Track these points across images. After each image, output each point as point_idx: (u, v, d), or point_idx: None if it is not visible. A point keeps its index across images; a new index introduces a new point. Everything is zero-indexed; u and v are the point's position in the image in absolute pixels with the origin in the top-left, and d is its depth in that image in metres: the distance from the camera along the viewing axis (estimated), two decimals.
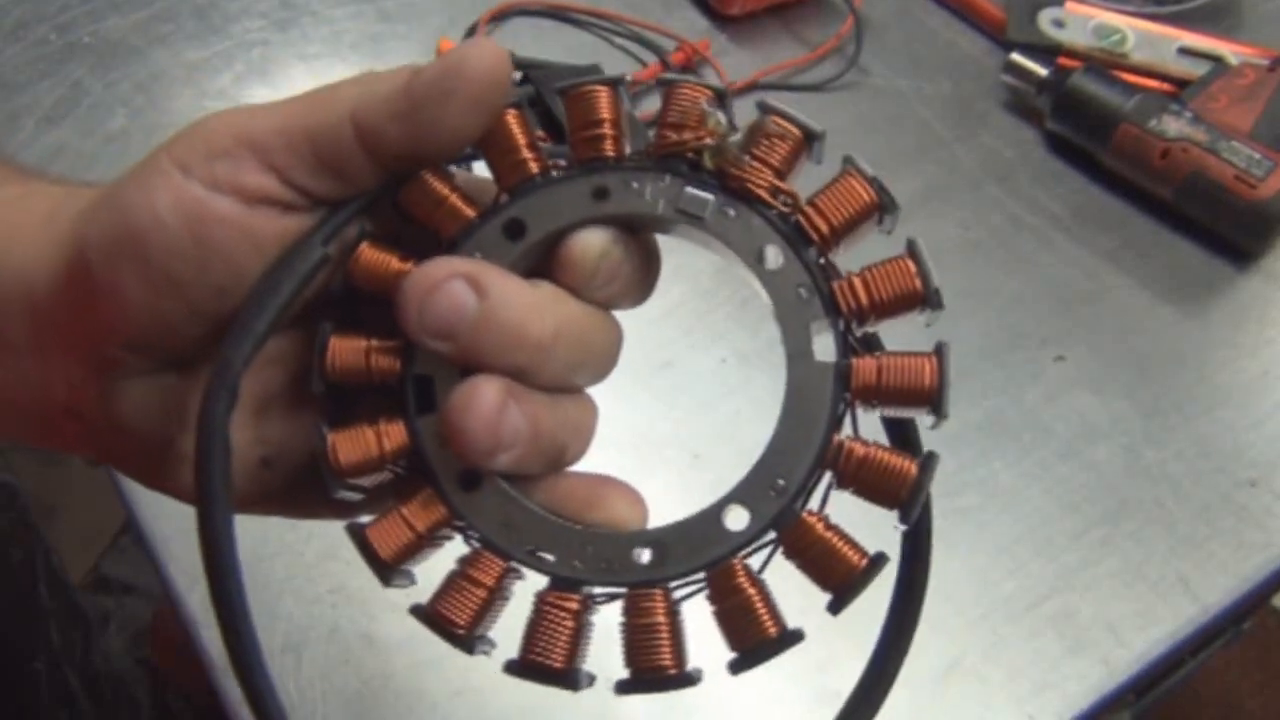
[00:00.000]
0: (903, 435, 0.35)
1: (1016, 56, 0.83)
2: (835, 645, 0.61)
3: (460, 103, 0.32)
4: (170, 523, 0.62)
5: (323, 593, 0.60)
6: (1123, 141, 0.78)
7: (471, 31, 0.84)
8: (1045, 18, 0.86)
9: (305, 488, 0.35)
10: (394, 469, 0.34)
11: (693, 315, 0.71)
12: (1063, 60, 0.83)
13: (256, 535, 0.61)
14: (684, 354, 0.69)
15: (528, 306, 0.32)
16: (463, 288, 0.31)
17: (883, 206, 0.33)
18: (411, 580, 0.35)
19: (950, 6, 0.92)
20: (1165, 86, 0.82)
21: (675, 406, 0.67)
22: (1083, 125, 0.80)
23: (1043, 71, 0.82)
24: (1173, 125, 0.76)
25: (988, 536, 0.64)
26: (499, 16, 0.86)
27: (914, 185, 0.80)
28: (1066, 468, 0.67)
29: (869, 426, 0.33)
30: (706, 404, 0.67)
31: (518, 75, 0.46)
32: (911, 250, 0.33)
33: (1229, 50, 0.83)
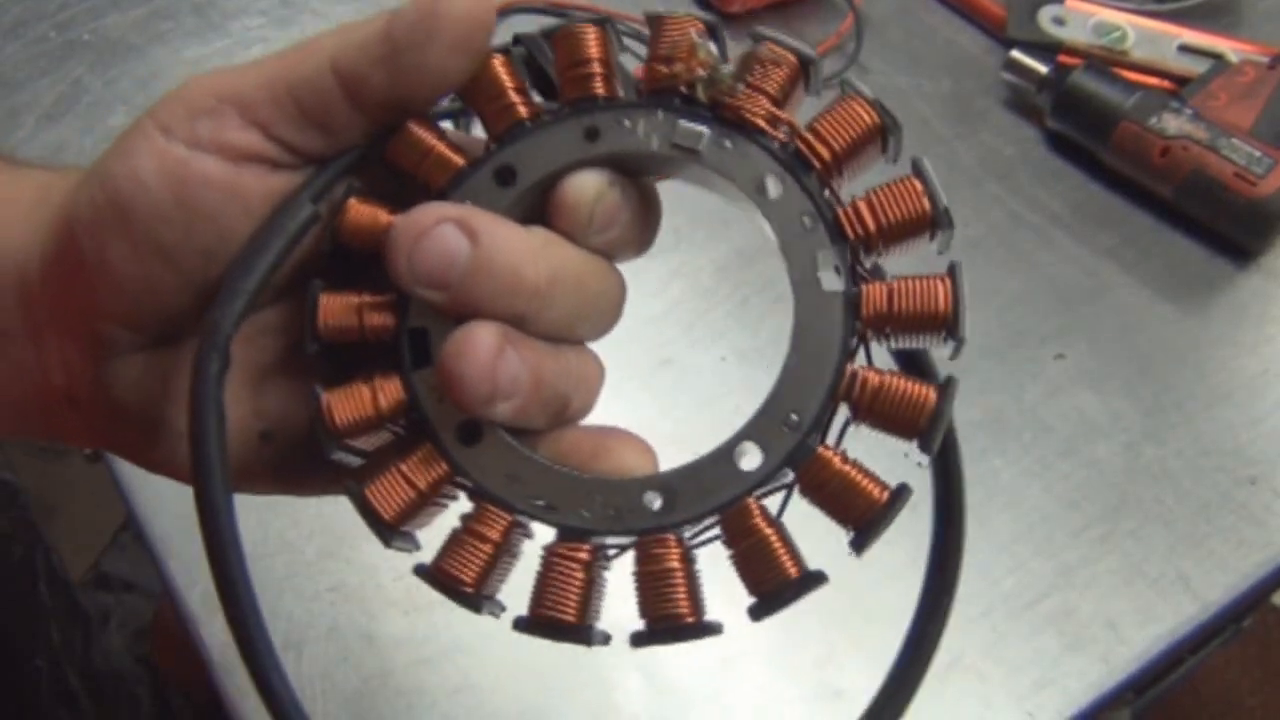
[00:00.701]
0: (918, 368, 0.33)
1: (1016, 54, 0.83)
2: (834, 642, 0.61)
3: (441, 44, 0.31)
4: (170, 520, 0.62)
5: (322, 590, 0.60)
6: (1123, 139, 0.78)
7: None
8: (1045, 15, 0.86)
9: (308, 462, 0.34)
10: (393, 428, 0.32)
11: (693, 313, 0.71)
12: (1063, 58, 0.83)
13: (256, 533, 0.61)
14: (684, 352, 0.69)
15: (522, 250, 0.30)
16: (453, 232, 0.30)
17: (885, 128, 0.32)
18: (415, 544, 0.33)
19: (950, 4, 0.92)
20: (1165, 84, 0.82)
21: (675, 404, 0.67)
22: (1083, 123, 0.80)
23: (1043, 69, 0.82)
24: (1173, 123, 0.76)
25: (988, 534, 0.64)
26: (501, 13, 0.86)
27: None
28: (1066, 465, 0.67)
29: (882, 361, 0.32)
30: (706, 402, 0.67)
31: (510, 38, 0.44)
32: (918, 169, 0.31)
33: (1229, 48, 0.83)
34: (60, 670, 0.96)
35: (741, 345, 0.70)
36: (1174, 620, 0.61)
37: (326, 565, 0.60)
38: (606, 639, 0.32)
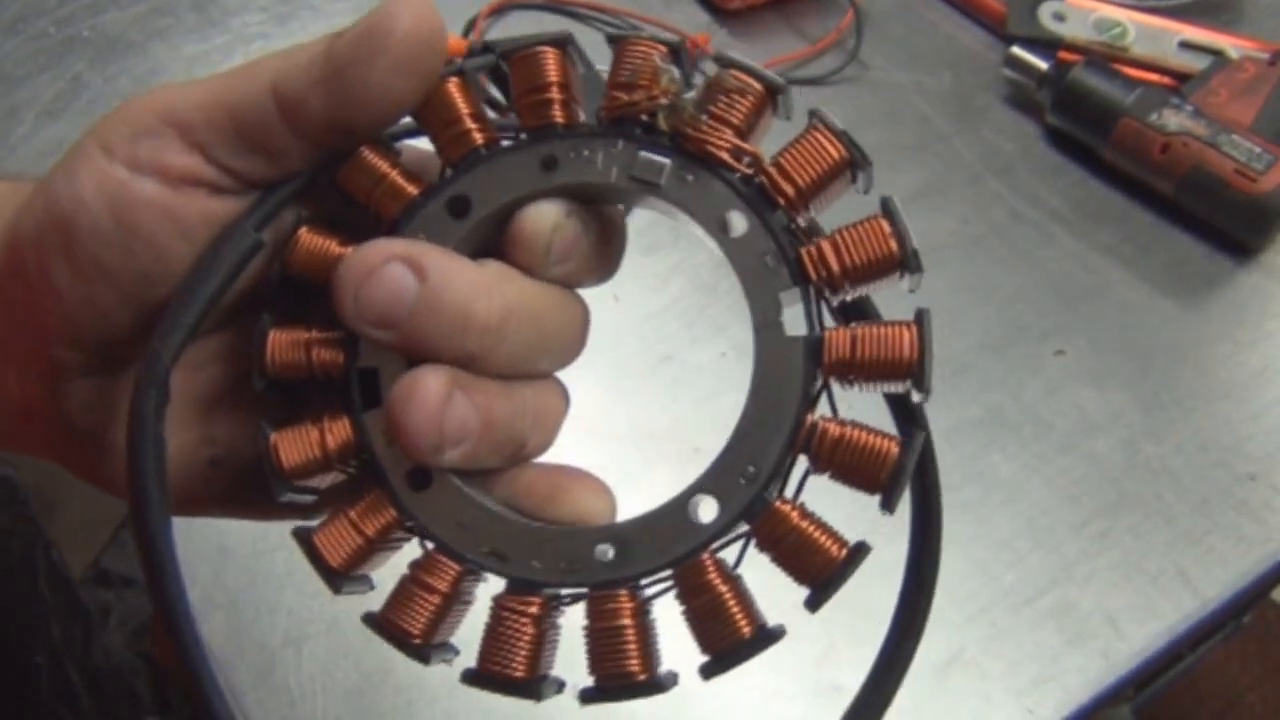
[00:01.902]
0: (906, 412, 0.32)
1: (1017, 50, 0.83)
2: (835, 639, 0.61)
3: (386, 65, 0.29)
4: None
5: (322, 586, 0.60)
6: (1123, 135, 0.78)
7: (470, 26, 0.84)
8: (1046, 11, 0.86)
9: (260, 489, 0.33)
10: (344, 469, 0.31)
11: (693, 309, 0.71)
12: (1063, 54, 0.83)
13: (256, 530, 0.61)
14: (684, 348, 0.69)
15: (472, 288, 0.29)
16: (401, 271, 0.29)
17: (854, 163, 0.30)
18: (368, 585, 0.32)
19: (950, 0, 0.92)
20: (1166, 80, 0.82)
21: (675, 400, 0.67)
22: (1083, 119, 0.80)
23: (1043, 65, 0.82)
24: (1173, 119, 0.76)
25: (988, 530, 0.64)
26: (498, 10, 0.86)
27: (914, 179, 0.80)
28: (1066, 461, 0.67)
29: (864, 404, 0.31)
30: (706, 398, 0.67)
31: (479, 44, 0.43)
32: (886, 209, 0.30)
33: (1230, 44, 0.83)
34: (61, 667, 0.96)
35: (741, 341, 0.69)
36: (1174, 616, 0.61)
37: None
38: (560, 687, 0.31)
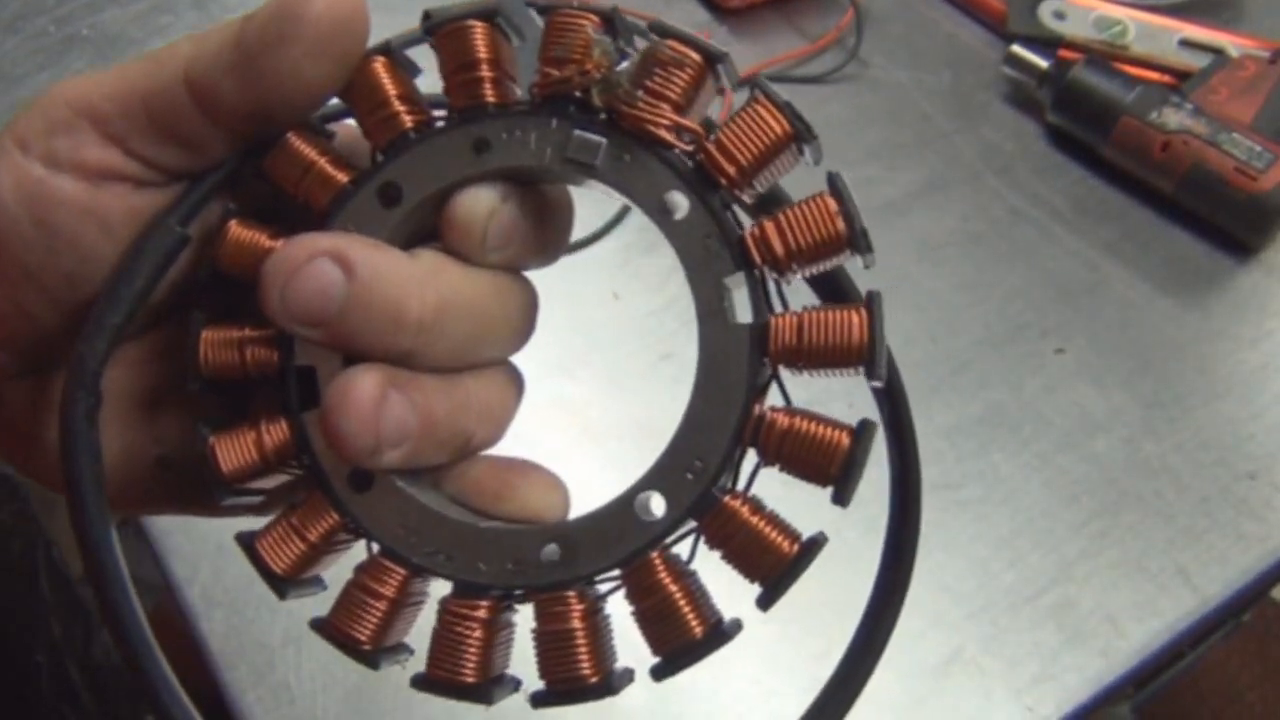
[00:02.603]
0: (838, 293, 0.30)
1: (1017, 49, 0.83)
2: (832, 636, 0.61)
3: (300, 49, 0.28)
4: (169, 516, 0.62)
5: (326, 596, 0.60)
6: (1123, 134, 0.78)
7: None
8: (1046, 10, 0.86)
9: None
10: (287, 470, 0.31)
11: (692, 308, 0.71)
12: (1063, 52, 0.83)
13: (256, 526, 0.61)
14: (684, 345, 0.69)
15: (403, 281, 0.28)
16: (328, 267, 0.27)
17: (798, 136, 0.28)
18: (320, 586, 0.32)
19: None
20: (1166, 79, 0.82)
21: (675, 399, 0.67)
22: (1083, 117, 0.80)
23: (1043, 64, 0.82)
24: (1173, 117, 0.76)
25: (987, 528, 0.64)
26: None
27: (914, 177, 0.80)
28: (1066, 460, 0.67)
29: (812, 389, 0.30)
30: None
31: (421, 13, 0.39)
32: (833, 186, 0.28)
33: (1230, 42, 0.83)
34: (61, 665, 0.96)
35: None
36: (1174, 614, 0.61)
37: (331, 582, 0.60)
38: (516, 686, 0.30)
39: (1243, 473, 0.66)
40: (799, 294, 0.30)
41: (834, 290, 0.30)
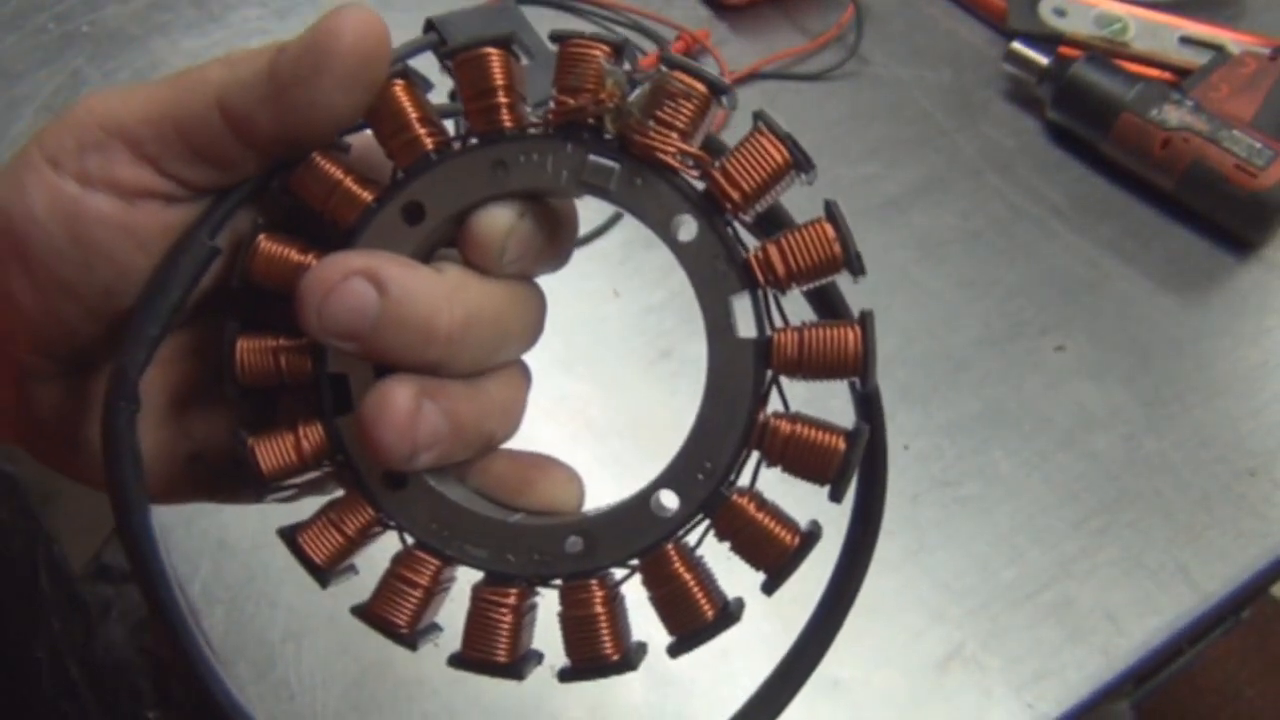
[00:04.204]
0: (831, 309, 0.33)
1: (1017, 45, 0.83)
2: None
3: (332, 81, 0.29)
4: (170, 511, 0.62)
5: (324, 590, 0.60)
6: (1124, 131, 0.78)
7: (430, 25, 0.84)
8: (1046, 6, 0.86)
9: (242, 477, 0.34)
10: (324, 467, 0.33)
11: (692, 304, 0.71)
12: (1064, 49, 0.83)
13: (256, 524, 0.61)
14: (682, 343, 0.69)
15: (433, 298, 0.30)
16: (362, 286, 0.29)
17: (797, 164, 0.30)
18: (354, 572, 0.34)
19: None
20: (1166, 76, 0.82)
21: (675, 394, 0.67)
22: (1084, 114, 0.80)
23: (1044, 61, 0.82)
24: (1174, 114, 0.76)
25: (987, 525, 0.64)
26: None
27: (914, 175, 0.80)
28: (1066, 457, 0.67)
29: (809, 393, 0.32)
30: None
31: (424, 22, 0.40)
32: (830, 214, 0.30)
33: (1230, 39, 0.83)
34: (61, 661, 0.96)
35: None
36: (1173, 611, 0.61)
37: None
38: (540, 660, 0.33)
39: (1243, 470, 0.66)
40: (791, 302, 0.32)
41: (826, 301, 0.33)
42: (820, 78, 0.86)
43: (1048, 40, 0.84)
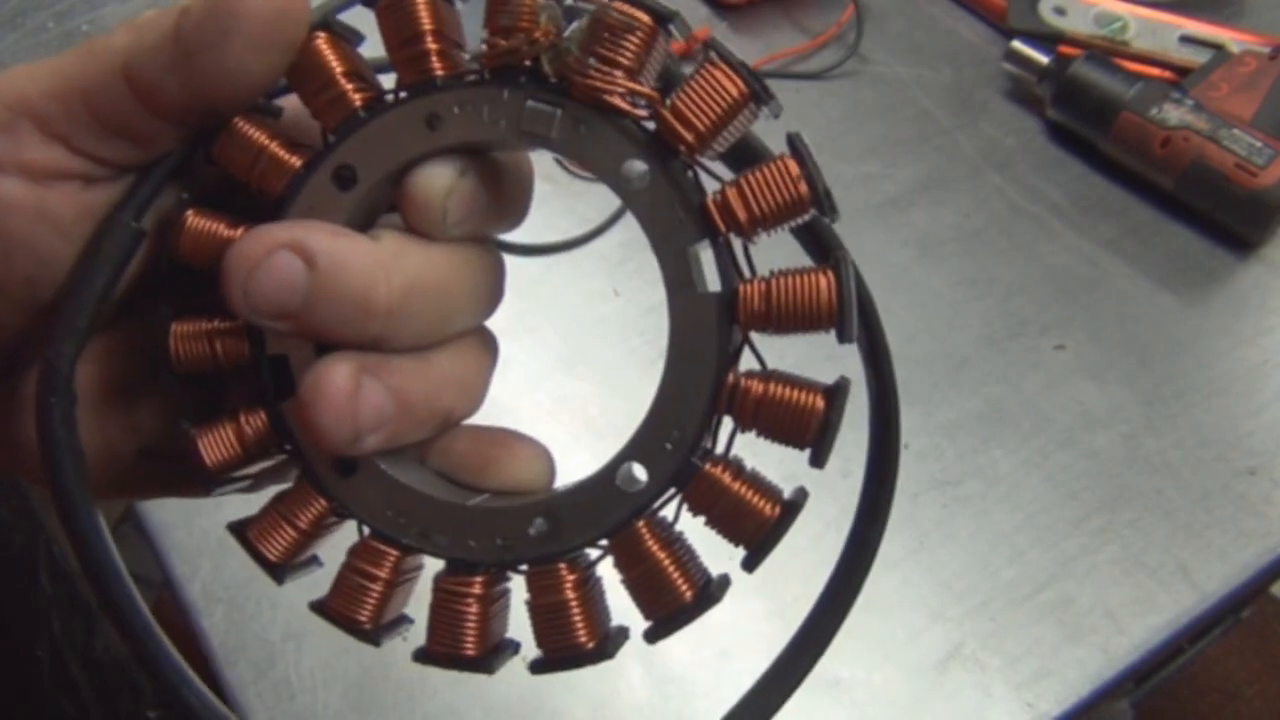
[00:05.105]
0: (819, 247, 0.29)
1: (1017, 44, 0.83)
2: None
3: (242, 42, 0.27)
4: (170, 512, 0.62)
5: (323, 579, 0.60)
6: (1124, 130, 0.78)
7: None
8: (1046, 5, 0.86)
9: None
10: (273, 455, 0.31)
11: None
12: (1064, 48, 0.83)
13: (248, 513, 0.61)
14: None
15: (369, 268, 0.27)
16: (289, 259, 0.27)
17: (754, 96, 0.27)
18: (317, 564, 0.32)
19: None
20: (1166, 75, 0.82)
21: None
22: (1084, 113, 0.80)
23: (1044, 59, 0.82)
24: (1174, 113, 0.76)
25: (987, 524, 0.64)
26: None
27: (914, 173, 0.80)
28: (1066, 456, 0.67)
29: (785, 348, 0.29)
30: None
31: None
32: (794, 148, 0.27)
33: (1230, 38, 0.83)
34: (62, 660, 0.96)
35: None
36: (1173, 610, 0.61)
37: (327, 555, 0.60)
38: (516, 649, 0.31)
39: (1243, 469, 0.67)
40: (780, 244, 0.30)
41: (819, 241, 0.30)
42: (820, 76, 0.86)
43: (1048, 39, 0.84)
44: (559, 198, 0.75)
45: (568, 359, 0.67)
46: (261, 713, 0.56)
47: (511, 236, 0.71)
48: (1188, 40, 0.84)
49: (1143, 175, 0.79)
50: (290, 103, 0.30)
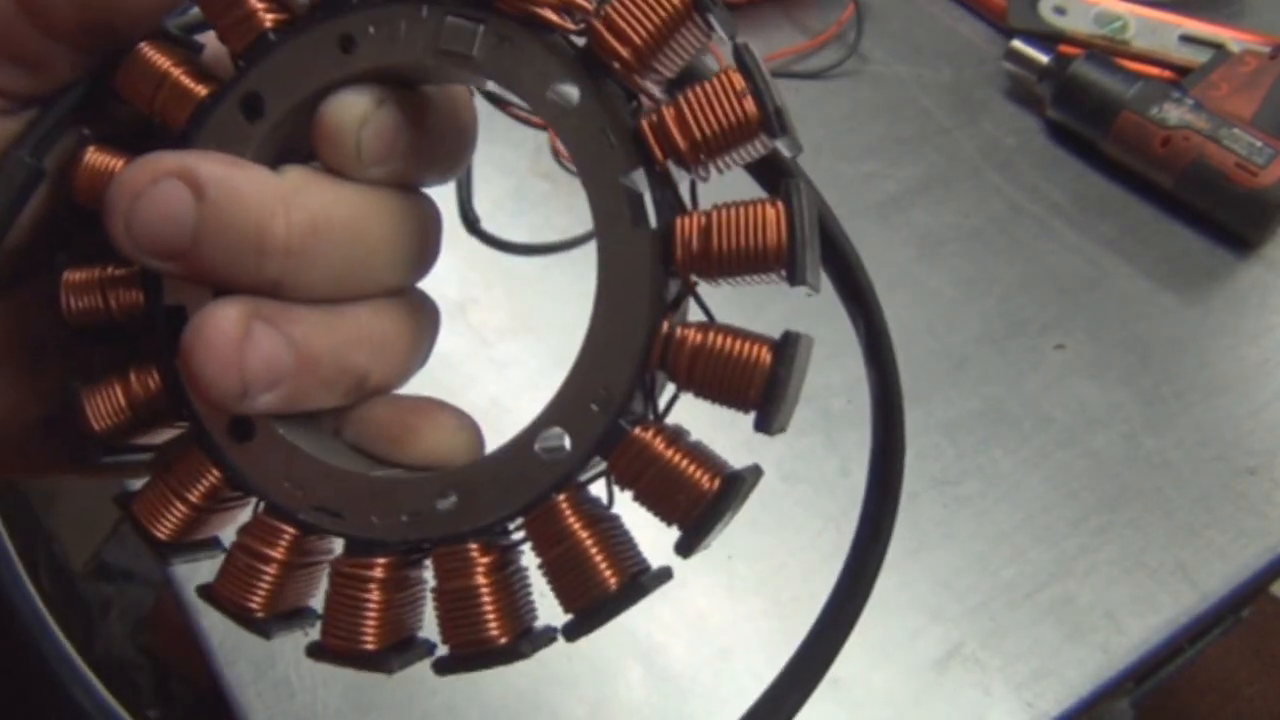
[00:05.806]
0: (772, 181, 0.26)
1: (1017, 43, 0.83)
2: None
3: None
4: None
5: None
6: (1124, 129, 0.78)
7: None
8: (1046, 5, 0.86)
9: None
10: (168, 423, 0.27)
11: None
12: (1064, 47, 0.83)
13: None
14: None
15: (264, 200, 0.24)
16: (175, 188, 0.24)
17: (696, 5, 0.24)
18: (215, 549, 0.28)
19: None
20: (1166, 74, 0.82)
21: None
22: (1084, 113, 0.80)
23: (1044, 59, 0.82)
24: (1174, 113, 0.76)
25: (987, 524, 0.64)
26: None
27: (914, 172, 0.80)
28: (1066, 455, 0.67)
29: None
30: None
31: None
32: (740, 61, 0.24)
33: (1231, 37, 0.83)
34: None
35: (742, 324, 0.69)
36: (1173, 610, 0.61)
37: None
38: (430, 649, 0.27)
39: (1243, 468, 0.66)
40: (741, 185, 0.27)
41: (772, 173, 0.26)
42: (820, 76, 0.86)
43: (1048, 38, 0.84)
44: (559, 198, 0.75)
45: (568, 359, 0.67)
46: (261, 712, 0.56)
47: (511, 236, 0.71)
48: (1188, 40, 0.84)
49: (1143, 175, 0.79)
50: (214, 40, 0.28)
